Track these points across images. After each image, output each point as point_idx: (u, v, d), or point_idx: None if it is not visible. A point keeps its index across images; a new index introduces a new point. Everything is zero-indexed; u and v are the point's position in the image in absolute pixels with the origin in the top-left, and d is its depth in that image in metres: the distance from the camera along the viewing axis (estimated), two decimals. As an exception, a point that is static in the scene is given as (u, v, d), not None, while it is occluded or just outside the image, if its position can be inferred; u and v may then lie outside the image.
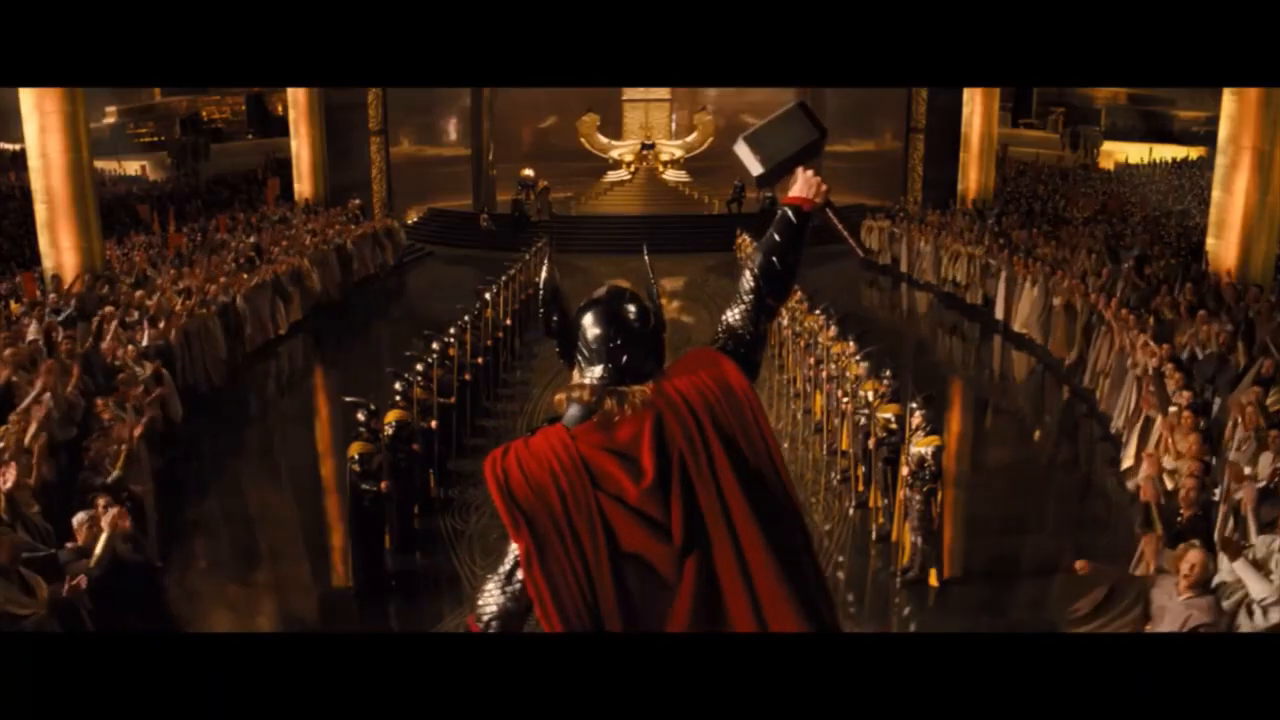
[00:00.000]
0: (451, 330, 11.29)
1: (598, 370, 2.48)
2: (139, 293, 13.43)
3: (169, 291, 13.89)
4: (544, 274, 2.65)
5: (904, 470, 8.05)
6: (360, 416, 8.25)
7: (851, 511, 9.73)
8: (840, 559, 9.03)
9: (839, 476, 10.39)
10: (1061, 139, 34.83)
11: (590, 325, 2.52)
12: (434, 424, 9.56)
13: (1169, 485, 7.69)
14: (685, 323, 18.15)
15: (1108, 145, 33.93)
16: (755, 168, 2.70)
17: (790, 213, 2.67)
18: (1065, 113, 35.64)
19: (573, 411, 2.48)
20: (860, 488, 9.71)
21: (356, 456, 7.98)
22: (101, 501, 6.37)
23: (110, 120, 30.02)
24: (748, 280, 2.65)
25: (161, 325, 12.13)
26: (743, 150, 2.72)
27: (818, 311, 12.06)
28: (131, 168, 28.90)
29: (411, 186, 25.59)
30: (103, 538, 5.88)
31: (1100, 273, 14.61)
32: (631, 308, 2.54)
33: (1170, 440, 7.97)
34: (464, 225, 24.81)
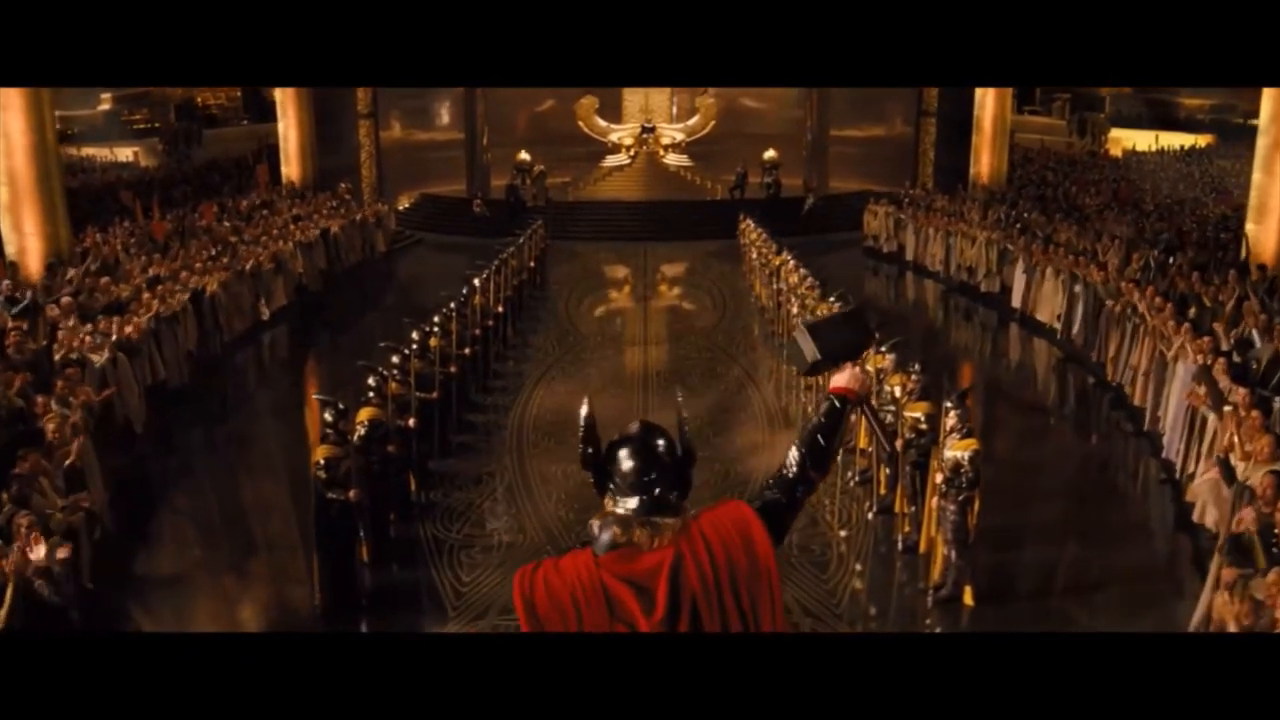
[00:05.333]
0: (435, 318, 10.40)
1: (632, 503, 2.62)
2: (104, 279, 12.58)
3: (137, 279, 13.05)
4: (584, 411, 2.79)
5: (937, 477, 7.20)
6: (328, 416, 7.34)
7: (871, 516, 8.90)
8: (858, 567, 8.20)
9: (856, 477, 9.55)
10: (1068, 126, 34.04)
11: (624, 459, 2.66)
12: (412, 422, 8.68)
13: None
14: (686, 310, 17.40)
15: (1115, 132, 33.22)
16: (811, 354, 2.91)
17: (836, 400, 2.89)
18: (1070, 99, 34.87)
19: (605, 538, 2.62)
20: (883, 491, 8.87)
21: (322, 462, 7.10)
22: (24, 522, 5.51)
23: (105, 107, 29.27)
24: (793, 454, 2.82)
25: (133, 318, 11.27)
26: (802, 337, 2.93)
27: (832, 299, 11.19)
28: (124, 154, 28.19)
29: (403, 172, 24.91)
30: (9, 594, 4.99)
31: (1130, 260, 13.76)
32: (661, 442, 2.71)
33: (1237, 441, 7.11)
34: (457, 211, 24.02)
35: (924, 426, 7.79)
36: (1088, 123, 33.79)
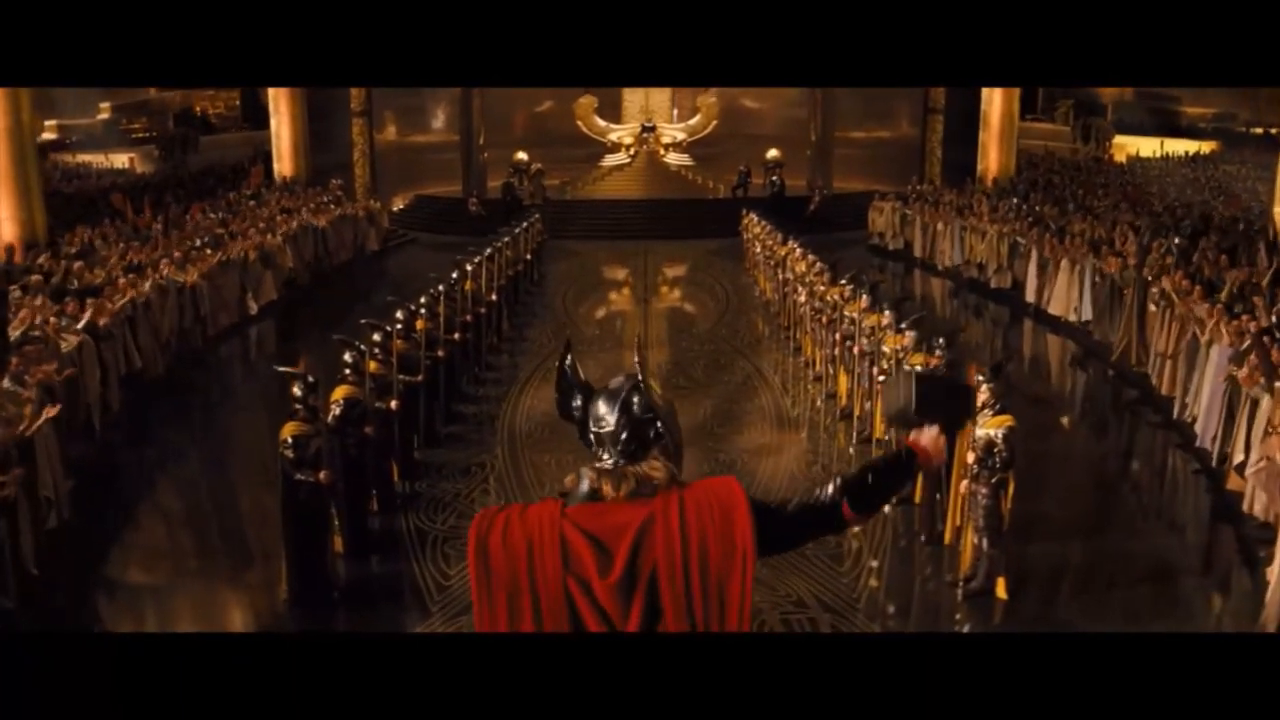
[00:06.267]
0: (422, 299, 9.77)
1: (607, 458, 2.51)
2: (78, 264, 12.01)
3: (114, 266, 12.46)
4: (564, 359, 2.69)
5: (969, 457, 6.56)
6: (296, 391, 6.68)
7: (888, 509, 8.25)
8: (874, 563, 7.55)
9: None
10: (1072, 131, 33.61)
11: (602, 412, 2.54)
12: (394, 404, 8.05)
13: None
14: (687, 311, 16.78)
15: (1119, 138, 32.83)
16: (908, 406, 2.70)
17: (905, 453, 2.66)
18: (1073, 105, 34.47)
19: (582, 489, 2.50)
20: (901, 481, 8.22)
21: (289, 440, 6.45)
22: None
23: (104, 116, 28.92)
24: (832, 483, 2.55)
25: (105, 304, 10.66)
26: (906, 383, 2.73)
27: (843, 282, 10.58)
28: (119, 160, 27.79)
29: (398, 173, 24.49)
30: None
31: (1149, 249, 13.17)
32: (637, 399, 2.55)
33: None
34: (452, 211, 23.47)
35: (949, 406, 7.16)
36: (1092, 128, 33.37)
